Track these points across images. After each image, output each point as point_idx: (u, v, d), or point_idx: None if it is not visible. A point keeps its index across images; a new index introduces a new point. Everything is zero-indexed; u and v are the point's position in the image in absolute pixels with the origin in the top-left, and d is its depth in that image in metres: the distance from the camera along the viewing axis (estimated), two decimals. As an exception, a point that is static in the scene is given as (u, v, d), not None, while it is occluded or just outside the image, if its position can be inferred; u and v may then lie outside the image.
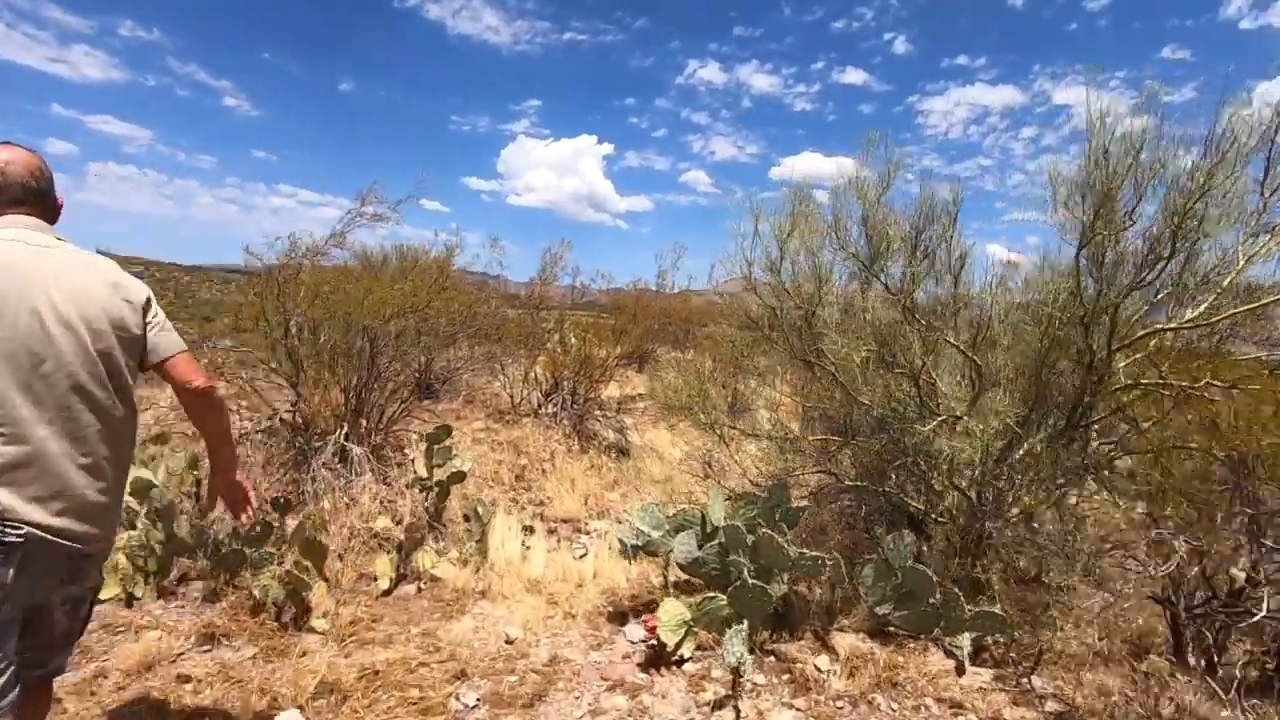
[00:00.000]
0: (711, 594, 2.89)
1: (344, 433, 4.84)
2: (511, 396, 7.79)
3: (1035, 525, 3.12)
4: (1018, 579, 3.18)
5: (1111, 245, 2.78)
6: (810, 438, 3.54)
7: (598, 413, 7.56)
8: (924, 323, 3.25)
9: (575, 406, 7.49)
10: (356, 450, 4.77)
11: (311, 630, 3.02)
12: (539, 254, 9.11)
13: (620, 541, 3.47)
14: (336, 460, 4.57)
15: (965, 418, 3.09)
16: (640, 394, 10.05)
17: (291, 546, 3.34)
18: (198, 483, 4.00)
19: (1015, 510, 3.12)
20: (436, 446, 4.34)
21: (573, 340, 8.58)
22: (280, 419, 4.87)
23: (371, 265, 8.32)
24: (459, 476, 4.31)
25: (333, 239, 6.10)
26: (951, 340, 3.21)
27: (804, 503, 3.59)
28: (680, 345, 12.04)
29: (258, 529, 3.42)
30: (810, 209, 3.69)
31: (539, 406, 7.63)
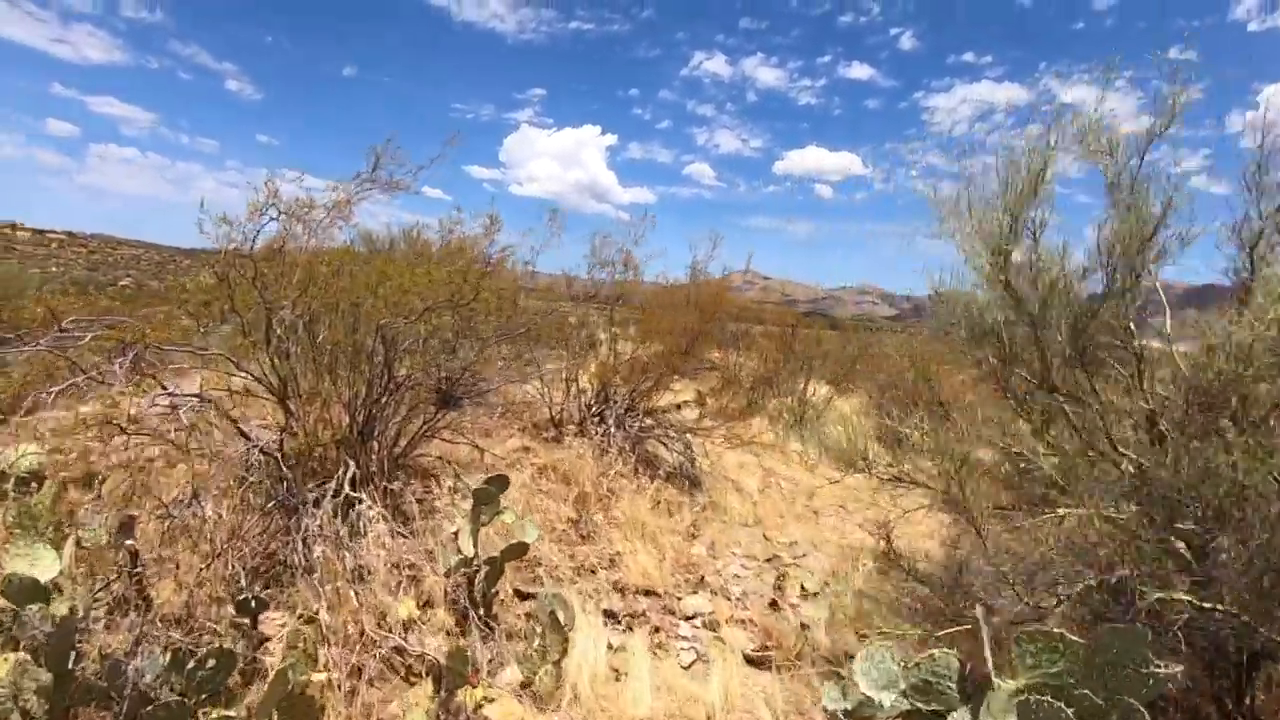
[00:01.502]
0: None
1: (350, 473, 3.49)
2: (551, 407, 6.43)
3: None
4: None
5: None
6: (1148, 536, 2.15)
7: (656, 430, 6.19)
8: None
9: (631, 422, 6.14)
10: (365, 501, 3.42)
11: None
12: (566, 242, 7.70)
13: (825, 710, 2.11)
14: (337, 517, 3.22)
15: None
16: (687, 401, 8.68)
17: (267, 705, 1.99)
18: (133, 557, 2.66)
19: None
20: (484, 507, 2.98)
21: (621, 341, 7.23)
22: (261, 451, 3.52)
23: (376, 249, 6.98)
24: (518, 550, 2.96)
25: (335, 210, 4.76)
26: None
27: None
28: (727, 346, 10.59)
29: (210, 661, 2.08)
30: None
31: (583, 420, 6.28)
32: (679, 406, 8.55)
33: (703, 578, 3.95)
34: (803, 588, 3.71)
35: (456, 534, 2.99)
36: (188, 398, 3.10)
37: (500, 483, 3.01)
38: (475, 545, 2.91)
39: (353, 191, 4.80)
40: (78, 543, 2.48)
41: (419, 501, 4.18)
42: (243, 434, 3.39)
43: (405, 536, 3.56)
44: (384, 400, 4.15)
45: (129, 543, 2.65)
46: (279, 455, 3.39)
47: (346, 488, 3.51)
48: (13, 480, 2.64)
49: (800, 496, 6.01)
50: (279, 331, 3.51)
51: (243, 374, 3.64)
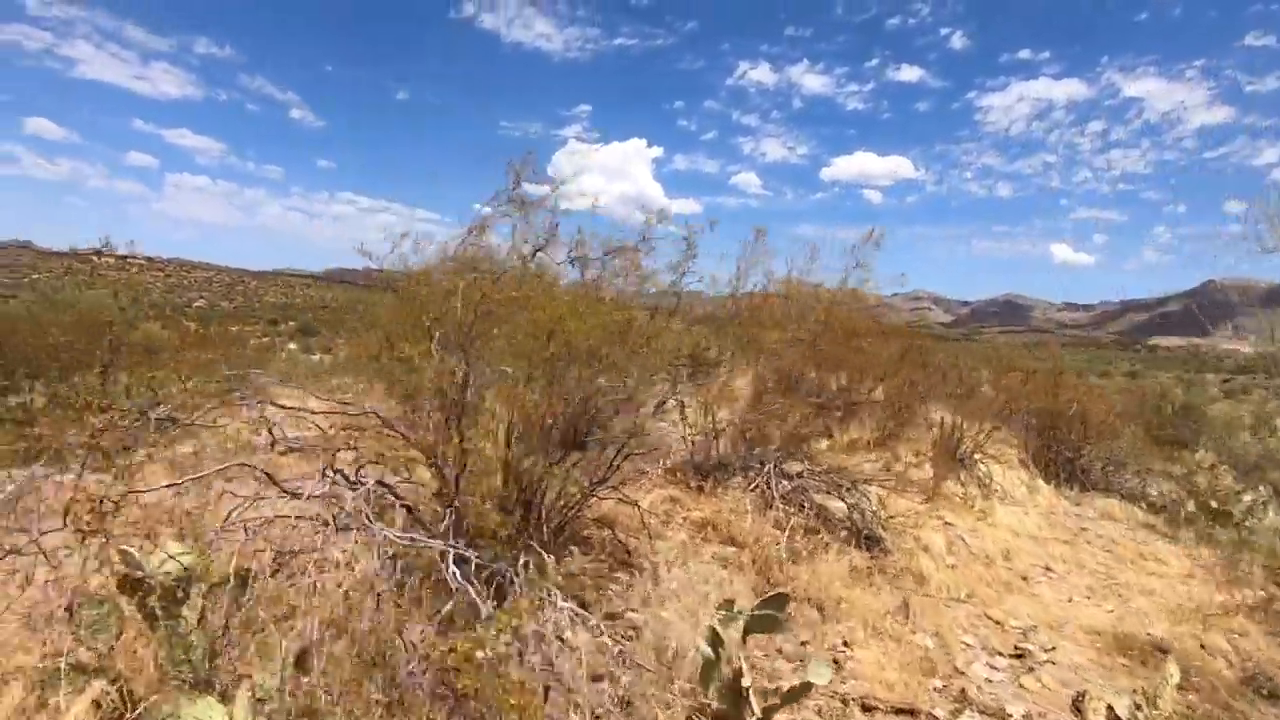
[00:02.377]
0: None
1: (520, 559, 2.78)
2: (692, 449, 5.68)
3: None
4: None
5: None
6: None
7: (817, 475, 5.37)
8: None
9: (790, 467, 5.34)
10: (553, 593, 2.70)
11: None
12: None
13: None
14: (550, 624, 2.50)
15: None
16: (827, 446, 7.71)
17: None
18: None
19: None
20: (751, 634, 2.22)
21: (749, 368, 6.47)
22: (419, 526, 2.86)
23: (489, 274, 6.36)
24: (800, 691, 2.19)
25: (472, 233, 4.16)
26: None
27: None
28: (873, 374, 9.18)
29: None
30: None
31: (731, 464, 5.51)
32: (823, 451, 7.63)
33: (963, 690, 3.10)
34: (1110, 710, 2.83)
35: (709, 660, 2.23)
36: (363, 481, 2.46)
37: (779, 603, 2.25)
38: (743, 686, 2.15)
39: (495, 208, 4.20)
40: (253, 694, 1.84)
41: (594, 582, 3.48)
42: (420, 522, 2.74)
43: (597, 636, 2.85)
44: (561, 458, 3.49)
45: (305, 681, 2.01)
46: (454, 544, 2.71)
47: (523, 573, 2.83)
48: (158, 592, 2.03)
49: (995, 556, 5.09)
50: (456, 374, 2.87)
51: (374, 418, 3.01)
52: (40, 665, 2.25)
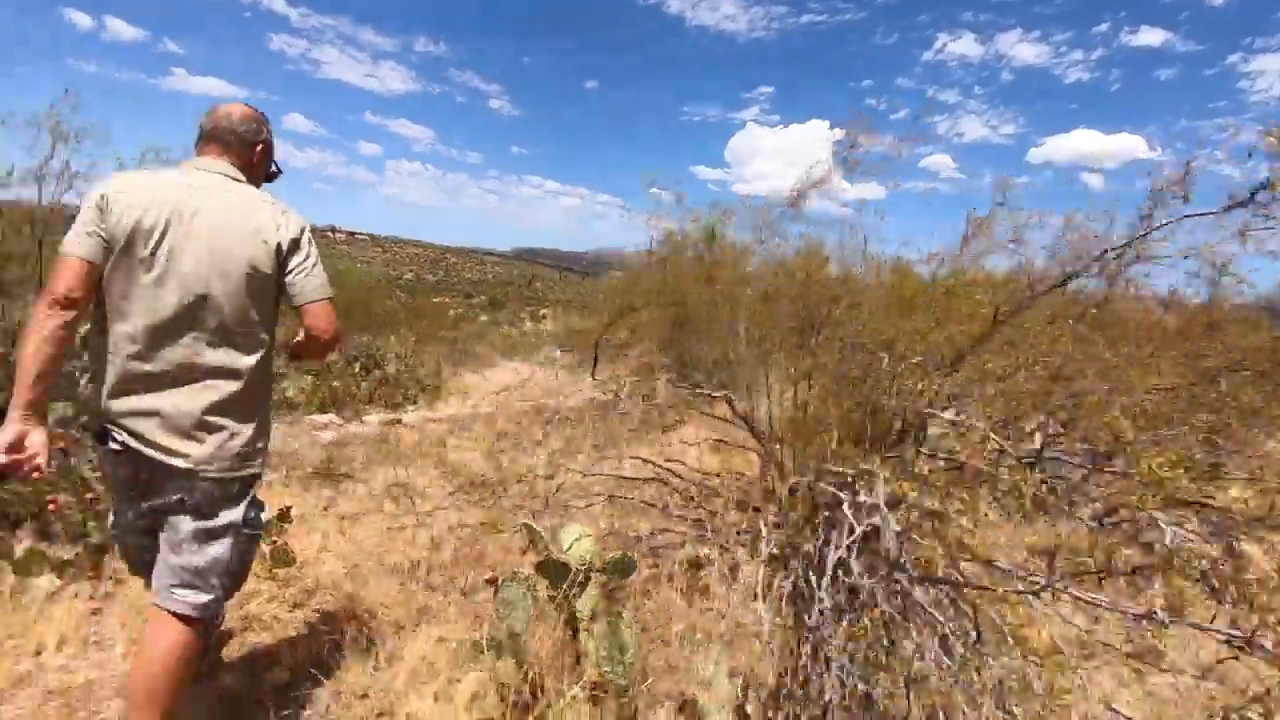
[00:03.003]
0: None
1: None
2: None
3: None
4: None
5: None
6: None
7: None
8: None
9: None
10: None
11: None
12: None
13: None
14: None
15: None
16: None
17: None
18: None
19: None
20: None
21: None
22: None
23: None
24: None
25: (801, 194, 3.69)
26: None
27: None
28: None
29: None
30: None
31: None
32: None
33: None
34: None
35: None
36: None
37: None
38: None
39: (817, 177, 3.67)
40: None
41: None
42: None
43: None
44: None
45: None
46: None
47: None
48: (577, 579, 1.80)
49: None
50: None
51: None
52: (446, 634, 2.17)
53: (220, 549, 1.64)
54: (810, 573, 2.18)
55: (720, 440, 3.00)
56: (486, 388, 9.31)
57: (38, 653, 2.23)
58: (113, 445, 1.56)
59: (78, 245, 1.52)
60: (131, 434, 1.54)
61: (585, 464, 2.95)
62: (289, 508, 2.95)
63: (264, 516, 1.77)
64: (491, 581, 1.90)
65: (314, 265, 1.67)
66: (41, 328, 1.46)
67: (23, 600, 2.50)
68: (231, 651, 2.26)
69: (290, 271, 1.64)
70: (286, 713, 1.98)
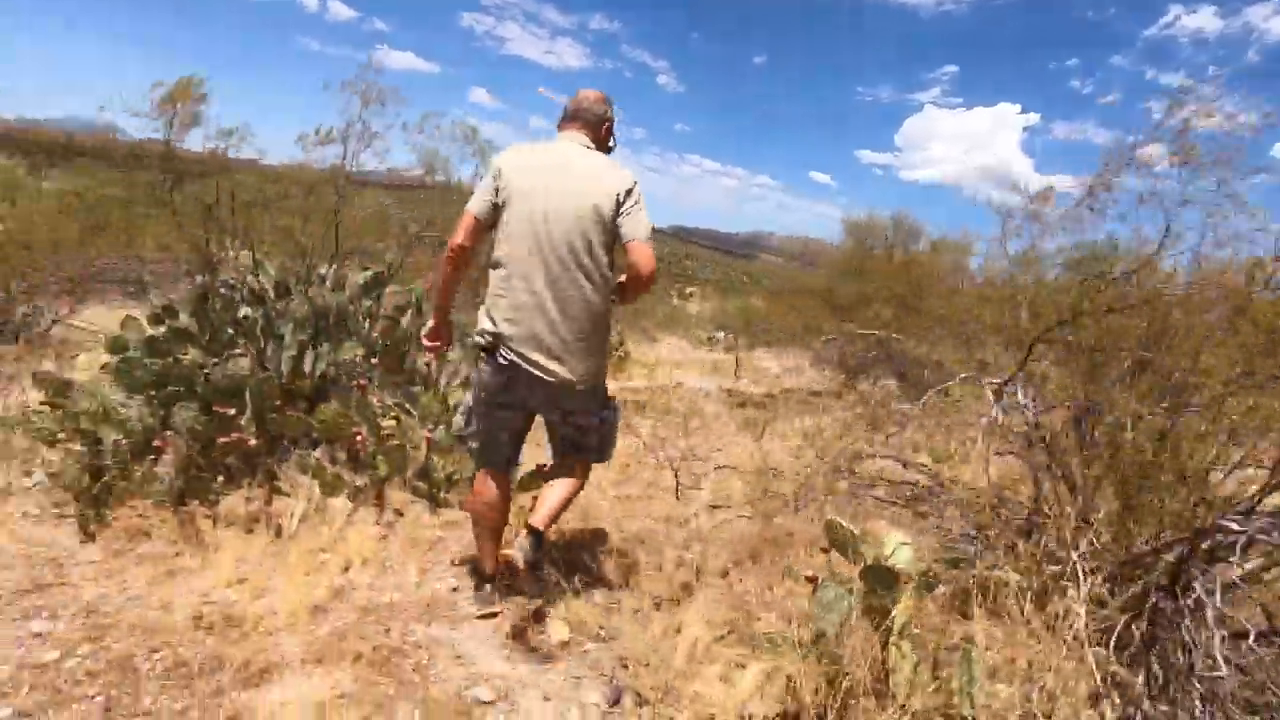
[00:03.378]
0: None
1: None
2: None
3: None
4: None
5: None
6: None
7: None
8: None
9: None
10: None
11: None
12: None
13: None
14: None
15: None
16: None
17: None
18: None
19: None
20: None
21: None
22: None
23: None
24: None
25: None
26: None
27: None
28: None
29: None
30: None
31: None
32: None
33: None
34: None
35: None
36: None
37: None
38: None
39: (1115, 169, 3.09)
40: None
41: None
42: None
43: None
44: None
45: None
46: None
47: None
48: (898, 590, 1.62)
49: None
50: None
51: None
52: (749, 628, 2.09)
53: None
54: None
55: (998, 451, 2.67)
56: (661, 361, 9.36)
57: (345, 569, 2.46)
58: (500, 360, 1.99)
59: (473, 204, 2.03)
60: (517, 355, 1.97)
61: (851, 456, 2.75)
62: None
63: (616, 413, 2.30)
64: (811, 580, 1.78)
65: (641, 211, 2.01)
66: (445, 265, 2.10)
67: (325, 517, 2.78)
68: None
69: (622, 215, 1.98)
70: (575, 668, 1.99)
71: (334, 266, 3.57)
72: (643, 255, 1.96)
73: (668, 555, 2.62)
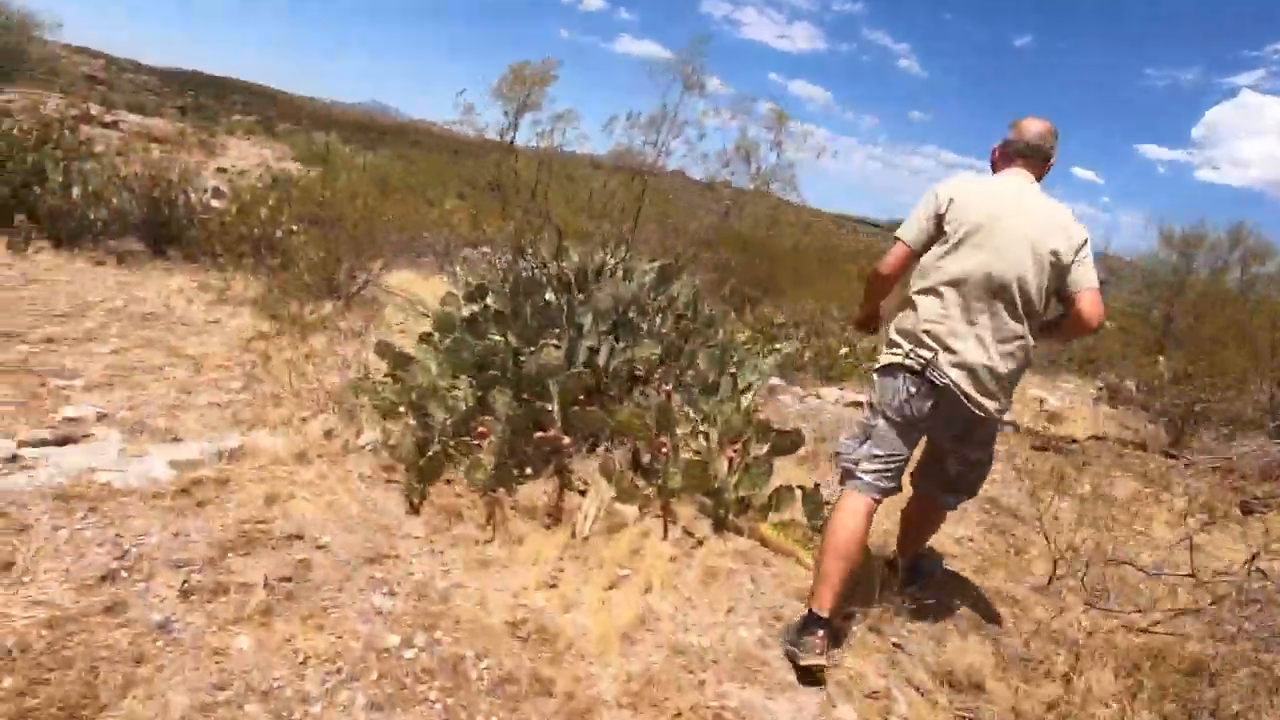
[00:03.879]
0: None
1: None
2: None
3: None
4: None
5: None
6: None
7: None
8: None
9: None
10: None
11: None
12: None
13: None
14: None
15: None
16: None
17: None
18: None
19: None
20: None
21: None
22: None
23: None
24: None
25: None
26: None
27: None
28: None
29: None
30: None
31: None
32: None
33: None
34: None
35: None
36: None
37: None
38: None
39: None
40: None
41: None
42: None
43: None
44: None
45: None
46: None
47: None
48: None
49: None
50: None
51: None
52: None
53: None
54: None
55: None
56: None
57: (646, 589, 2.26)
58: (934, 382, 1.98)
59: (907, 232, 2.11)
60: (952, 381, 1.96)
61: None
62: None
63: None
64: None
65: (1090, 260, 2.03)
66: (873, 288, 2.27)
67: (612, 522, 2.63)
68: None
69: (1077, 262, 2.00)
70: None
71: (627, 255, 3.45)
72: (1095, 304, 2.01)
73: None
